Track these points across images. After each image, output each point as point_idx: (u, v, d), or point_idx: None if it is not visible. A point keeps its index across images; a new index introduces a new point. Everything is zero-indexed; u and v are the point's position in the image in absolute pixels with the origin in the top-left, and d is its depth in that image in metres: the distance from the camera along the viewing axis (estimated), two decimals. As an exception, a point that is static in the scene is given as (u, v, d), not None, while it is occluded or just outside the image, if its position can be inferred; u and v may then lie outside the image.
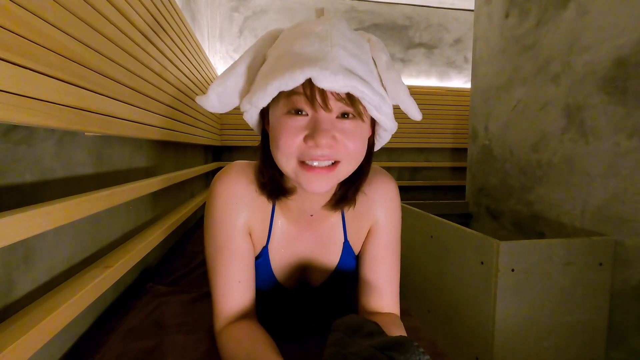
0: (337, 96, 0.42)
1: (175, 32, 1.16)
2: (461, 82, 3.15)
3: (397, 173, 3.03)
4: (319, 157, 0.43)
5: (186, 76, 1.36)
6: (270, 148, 0.47)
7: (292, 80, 0.39)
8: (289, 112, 0.43)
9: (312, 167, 0.43)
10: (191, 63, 1.45)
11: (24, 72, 0.42)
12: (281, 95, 0.43)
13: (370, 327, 0.38)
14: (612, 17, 1.10)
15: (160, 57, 1.01)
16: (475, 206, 1.84)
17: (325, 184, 0.44)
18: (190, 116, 1.44)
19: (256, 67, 0.47)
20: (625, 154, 1.06)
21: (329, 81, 0.38)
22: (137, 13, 0.81)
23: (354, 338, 0.37)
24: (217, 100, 0.48)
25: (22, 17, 0.42)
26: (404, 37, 3.06)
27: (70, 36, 0.53)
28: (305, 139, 0.43)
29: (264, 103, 0.44)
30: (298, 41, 0.42)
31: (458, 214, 1.86)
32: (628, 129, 1.05)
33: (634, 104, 1.04)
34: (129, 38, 0.77)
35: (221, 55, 2.77)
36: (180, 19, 1.25)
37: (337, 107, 0.42)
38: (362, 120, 0.45)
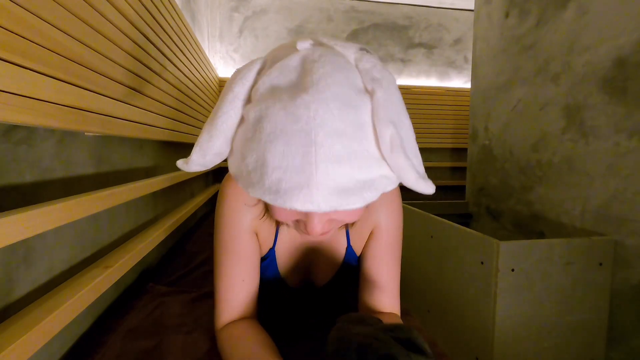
0: None
1: (175, 32, 1.16)
2: (461, 82, 3.15)
3: (397, 173, 3.03)
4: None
5: (186, 76, 1.36)
6: None
7: (274, 204, 0.34)
8: None
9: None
10: (191, 63, 1.45)
11: (24, 72, 0.42)
12: None
13: (372, 320, 0.40)
14: (612, 17, 1.10)
15: (160, 57, 1.01)
16: (475, 206, 1.83)
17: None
18: (190, 116, 1.44)
19: (233, 126, 0.39)
20: (625, 154, 1.06)
21: (314, 209, 0.33)
22: (137, 13, 0.81)
23: (357, 326, 0.39)
24: (200, 168, 0.43)
25: (22, 17, 0.42)
26: (404, 37, 3.07)
27: (70, 36, 0.53)
28: (299, 223, 0.41)
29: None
30: (276, 143, 0.33)
31: (458, 214, 1.86)
32: (628, 129, 1.05)
33: (634, 104, 1.03)
34: (129, 38, 0.77)
35: (221, 55, 2.77)
36: (180, 19, 1.25)
37: None
38: None
